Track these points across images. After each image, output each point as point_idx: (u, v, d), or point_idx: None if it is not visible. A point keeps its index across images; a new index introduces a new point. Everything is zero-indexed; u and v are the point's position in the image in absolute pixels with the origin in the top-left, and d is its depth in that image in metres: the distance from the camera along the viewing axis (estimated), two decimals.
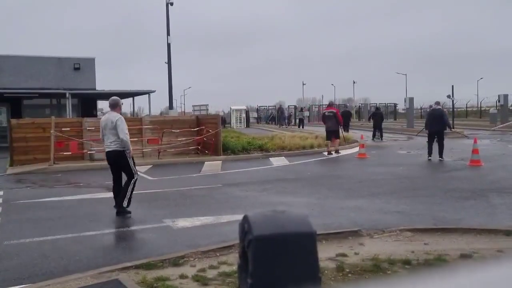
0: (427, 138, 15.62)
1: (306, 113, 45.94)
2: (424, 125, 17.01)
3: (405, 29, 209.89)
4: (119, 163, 8.06)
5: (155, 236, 6.53)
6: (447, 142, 18.86)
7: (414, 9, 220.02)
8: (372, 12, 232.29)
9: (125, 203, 8.02)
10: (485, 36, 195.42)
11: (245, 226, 1.58)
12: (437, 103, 15.91)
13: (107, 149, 8.09)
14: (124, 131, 7.94)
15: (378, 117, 25.41)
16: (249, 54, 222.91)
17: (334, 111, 18.47)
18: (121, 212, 7.98)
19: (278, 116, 41.01)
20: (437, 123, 14.94)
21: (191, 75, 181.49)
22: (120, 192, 8.13)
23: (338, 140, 18.06)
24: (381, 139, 24.27)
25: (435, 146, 15.03)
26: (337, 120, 17.84)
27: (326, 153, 17.72)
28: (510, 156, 15.64)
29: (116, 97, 8.51)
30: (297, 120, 48.23)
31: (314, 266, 1.56)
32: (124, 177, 8.22)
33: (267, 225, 1.56)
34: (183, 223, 7.07)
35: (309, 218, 1.68)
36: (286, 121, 43.09)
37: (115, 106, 8.26)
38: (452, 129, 16.27)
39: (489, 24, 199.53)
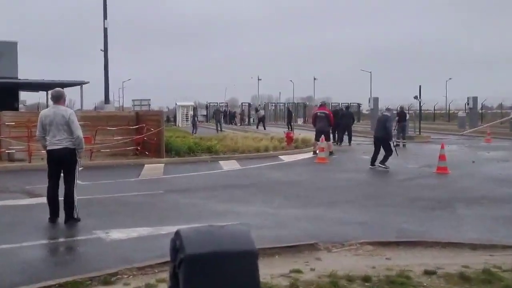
0: None
1: (262, 112, 46.11)
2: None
3: (373, 28, 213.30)
4: (68, 163, 7.85)
5: (83, 250, 6.34)
6: (413, 146, 19.42)
7: (385, 10, 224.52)
8: (339, 10, 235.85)
9: (75, 214, 7.87)
10: (456, 38, 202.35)
11: (176, 243, 1.52)
12: (388, 109, 16.67)
13: (55, 147, 7.84)
14: (79, 128, 7.89)
15: (347, 119, 24.25)
16: (202, 48, 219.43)
17: (327, 112, 19.37)
18: (71, 220, 7.81)
19: (219, 118, 39.90)
20: (380, 130, 15.36)
21: (134, 67, 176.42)
22: (59, 200, 7.88)
23: (330, 142, 19.04)
24: (349, 143, 23.65)
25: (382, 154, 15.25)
26: (328, 121, 18.90)
27: (312, 153, 18.97)
28: (479, 164, 16.21)
29: (59, 89, 8.32)
30: (252, 120, 48.07)
31: None
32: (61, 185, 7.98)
33: (202, 242, 1.51)
34: (117, 234, 6.93)
35: (250, 234, 1.65)
36: (222, 122, 42.30)
37: (59, 99, 8.06)
38: (393, 140, 16.66)
39: (461, 28, 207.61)
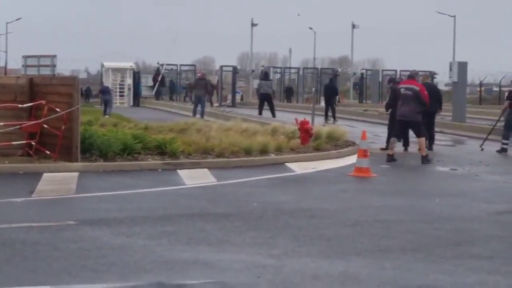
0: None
1: (268, 84, 31.95)
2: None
3: None
4: None
5: None
6: None
7: None
8: None
9: None
10: None
11: None
12: None
13: None
14: None
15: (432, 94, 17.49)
16: None
17: (417, 88, 15.80)
18: None
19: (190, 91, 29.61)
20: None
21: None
22: None
23: (422, 138, 15.72)
24: (431, 145, 18.66)
25: None
26: (419, 103, 15.58)
27: (386, 159, 15.44)
28: None
29: None
30: (241, 97, 43.16)
31: None
32: None
33: None
34: None
35: None
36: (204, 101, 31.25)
37: None
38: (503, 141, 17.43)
39: None
